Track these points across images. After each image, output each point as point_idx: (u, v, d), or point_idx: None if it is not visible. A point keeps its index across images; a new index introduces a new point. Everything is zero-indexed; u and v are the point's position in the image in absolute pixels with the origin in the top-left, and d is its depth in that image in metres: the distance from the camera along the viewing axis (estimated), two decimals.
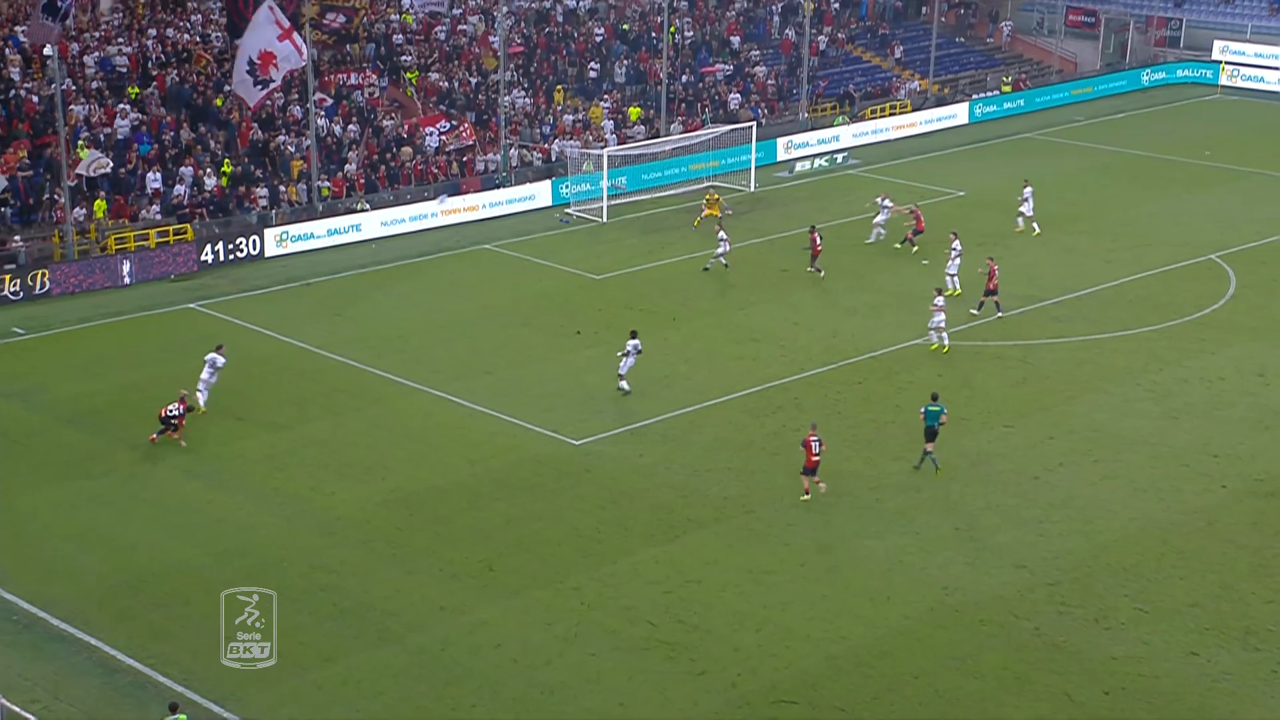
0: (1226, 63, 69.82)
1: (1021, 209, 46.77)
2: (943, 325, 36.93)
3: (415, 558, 27.38)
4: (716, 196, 48.39)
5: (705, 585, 26.50)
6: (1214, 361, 36.35)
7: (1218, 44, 71.19)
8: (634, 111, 58.60)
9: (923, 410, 31.04)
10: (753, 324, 39.56)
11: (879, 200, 47.11)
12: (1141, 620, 25.24)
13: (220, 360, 33.74)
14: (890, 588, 26.34)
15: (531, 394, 34.96)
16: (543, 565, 27.16)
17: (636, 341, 34.82)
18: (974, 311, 39.60)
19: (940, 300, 37.10)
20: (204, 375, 33.52)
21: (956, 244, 41.20)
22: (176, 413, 31.43)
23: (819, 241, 43.13)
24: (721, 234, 43.73)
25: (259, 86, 43.69)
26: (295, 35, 43.95)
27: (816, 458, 29.21)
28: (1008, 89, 67.54)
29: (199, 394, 33.26)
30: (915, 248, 45.08)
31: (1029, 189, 47.23)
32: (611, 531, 28.43)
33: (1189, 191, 52.15)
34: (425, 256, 46.25)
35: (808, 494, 29.41)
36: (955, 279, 40.76)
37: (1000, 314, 39.26)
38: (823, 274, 42.70)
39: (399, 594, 26.10)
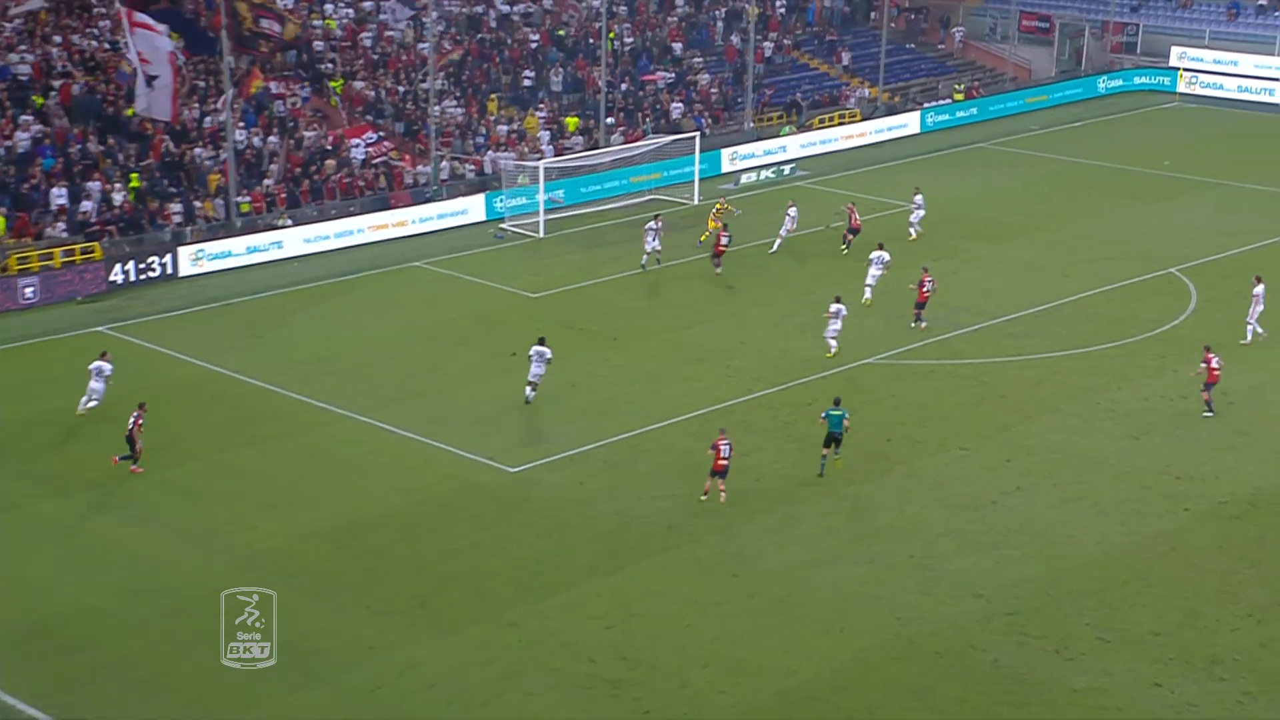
0: (1185, 69, 71.14)
1: (911, 217, 47.69)
2: (836, 333, 37.68)
3: (344, 593, 27.20)
4: (725, 207, 48.62)
5: (650, 619, 26.52)
6: (1176, 380, 36.93)
7: (1175, 50, 72.53)
8: (571, 121, 58.76)
9: (824, 415, 31.69)
10: (698, 343, 39.72)
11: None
12: (1104, 650, 25.54)
13: (107, 368, 34.07)
14: (844, 619, 26.49)
15: (466, 419, 34.86)
16: (479, 600, 27.07)
17: (543, 348, 35.11)
18: (913, 325, 40.15)
19: (836, 308, 37.70)
20: (92, 385, 33.80)
21: (882, 254, 41.93)
22: (130, 426, 31.32)
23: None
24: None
25: (159, 92, 43.58)
26: (142, 19, 43.90)
27: (724, 461, 30.13)
28: (960, 97, 68.40)
29: (90, 404, 33.72)
30: (845, 249, 46.36)
31: (920, 196, 48.10)
32: (551, 563, 28.39)
33: (1148, 203, 53.03)
34: (352, 275, 46.03)
35: (706, 495, 30.27)
36: (871, 289, 41.72)
37: (915, 324, 39.85)
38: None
39: (326, 632, 25.90)
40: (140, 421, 31.51)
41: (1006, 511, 30.31)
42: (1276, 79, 68.89)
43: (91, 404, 33.99)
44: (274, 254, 47.28)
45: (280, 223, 48.69)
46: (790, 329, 40.63)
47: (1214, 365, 34.60)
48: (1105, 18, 75.53)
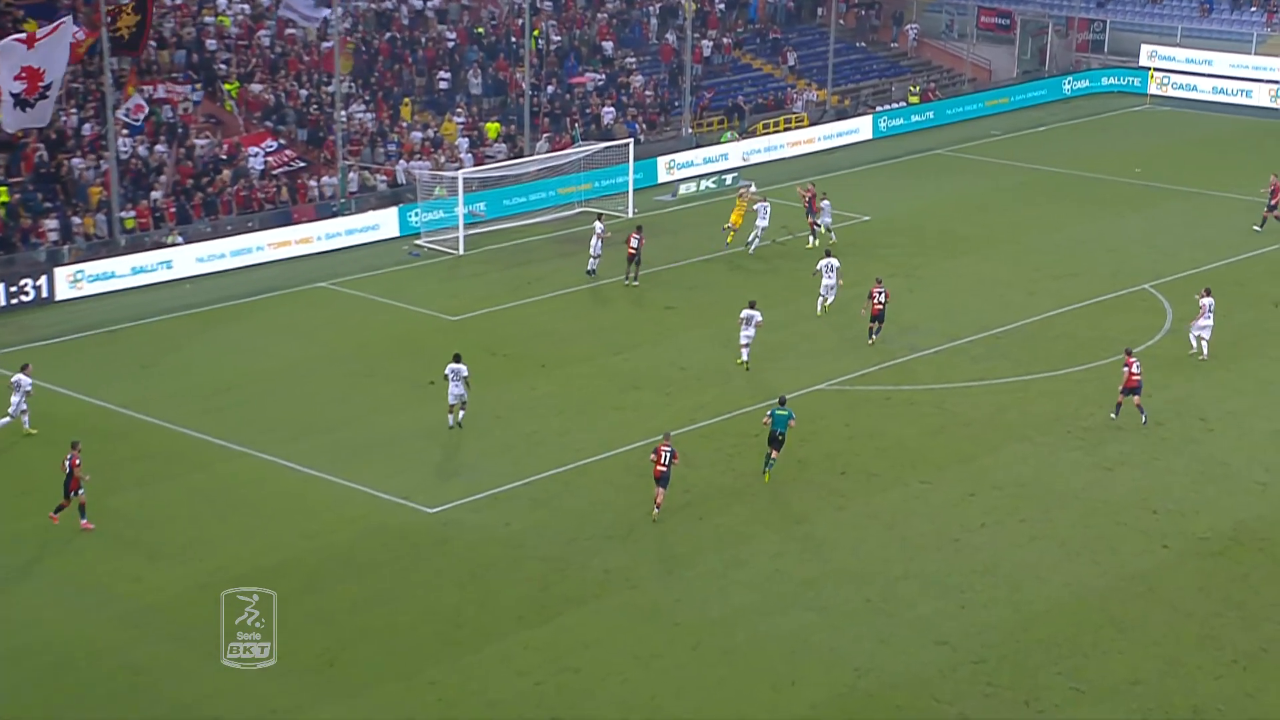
0: (1156, 69, 72.31)
1: (819, 220, 48.85)
2: (749, 340, 38.87)
3: None
4: (749, 192, 49.81)
5: (584, 673, 26.40)
6: (1151, 405, 37.33)
7: (1145, 49, 73.74)
8: (492, 127, 58.73)
9: (769, 414, 32.83)
10: (634, 369, 39.72)
11: (821, 204, 49.17)
12: (1078, 701, 25.71)
13: (26, 381, 34.71)
14: (795, 670, 26.50)
15: (378, 455, 34.63)
16: (393, 656, 26.82)
17: (459, 365, 35.33)
18: (870, 341, 40.67)
19: (747, 313, 38.82)
20: (14, 401, 34.53)
21: (831, 260, 42.92)
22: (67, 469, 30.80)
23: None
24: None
25: (20, 109, 43.19)
26: (44, 31, 43.59)
27: (663, 468, 31.09)
28: (915, 100, 69.13)
29: (8, 417, 34.38)
30: (809, 235, 48.19)
31: (827, 201, 48.94)
32: (474, 614, 28.21)
33: (1119, 213, 53.77)
34: (251, 297, 45.69)
35: (658, 506, 31.23)
36: (823, 300, 42.95)
37: (871, 340, 40.52)
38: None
39: (223, 694, 25.56)
40: (78, 461, 30.82)
41: (971, 551, 30.49)
42: (1253, 79, 70.16)
43: (8, 420, 34.73)
44: (163, 275, 46.84)
45: (170, 240, 48.25)
46: (734, 353, 40.71)
47: (1134, 370, 35.72)
48: (1070, 14, 76.66)
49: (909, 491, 33.02)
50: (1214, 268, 47.42)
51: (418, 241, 50.80)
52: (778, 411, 32.80)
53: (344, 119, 54.44)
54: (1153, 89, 71.75)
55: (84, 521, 30.87)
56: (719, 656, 26.90)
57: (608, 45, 66.83)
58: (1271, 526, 31.36)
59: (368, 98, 58.16)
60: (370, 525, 31.39)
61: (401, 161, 54.95)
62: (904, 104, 69.01)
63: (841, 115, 67.11)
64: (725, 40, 70.43)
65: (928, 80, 72.50)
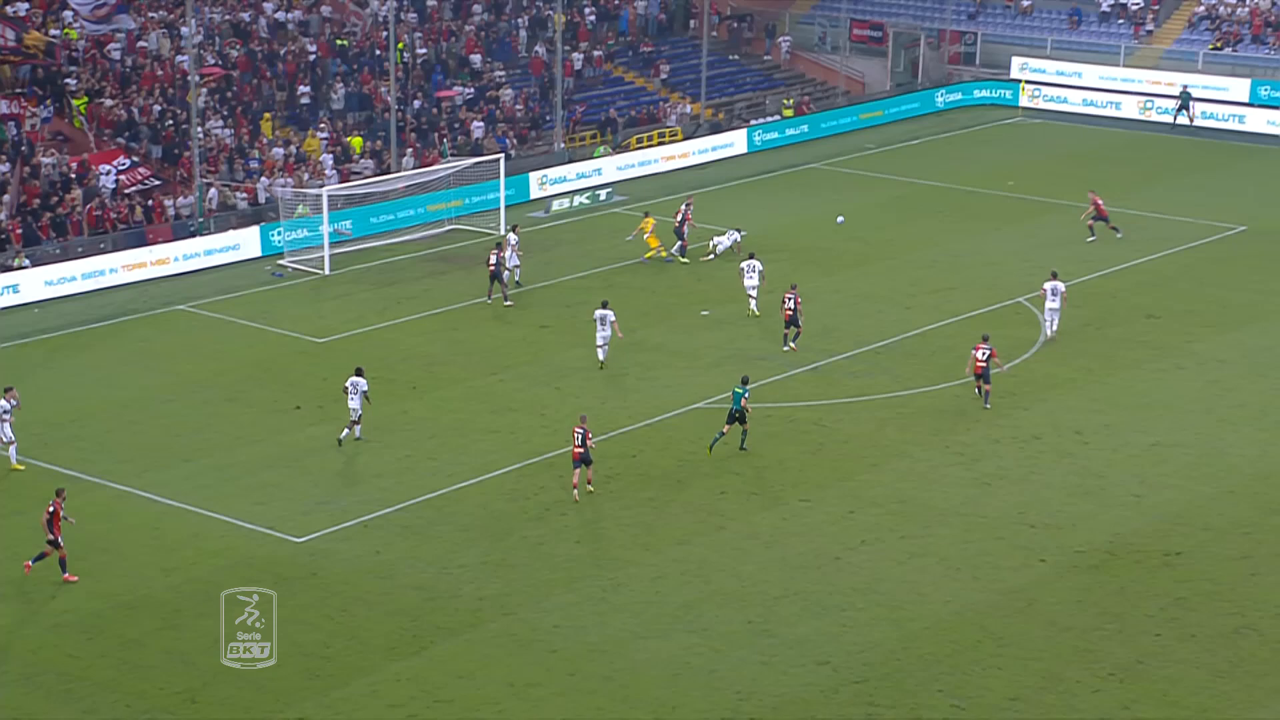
0: (1027, 82, 73.86)
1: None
2: (605, 340, 40.29)
3: (97, 693, 26.40)
4: (651, 222, 50.25)
5: (458, 704, 26.27)
6: (1027, 418, 38.12)
7: (1016, 61, 75.29)
8: (356, 142, 58.32)
9: (733, 391, 35.58)
10: (508, 391, 39.66)
11: (730, 237, 50.00)
12: (958, 718, 26.12)
13: (5, 406, 34.41)
14: (676, 695, 26.60)
15: (242, 484, 34.21)
16: (258, 693, 26.48)
17: (359, 379, 35.74)
18: (785, 349, 41.60)
19: (601, 313, 40.18)
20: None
21: (754, 262, 43.78)
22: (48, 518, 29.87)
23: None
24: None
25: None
26: None
27: (579, 449, 32.97)
28: (789, 113, 69.91)
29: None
30: (677, 256, 48.85)
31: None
32: (343, 647, 27.95)
33: (993, 227, 54.81)
34: (104, 322, 44.95)
35: (576, 489, 33.13)
36: (754, 301, 44.17)
37: (786, 347, 41.54)
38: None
39: None
40: (61, 511, 29.87)
41: (851, 570, 30.85)
42: (1122, 91, 72.00)
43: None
44: (8, 299, 46.01)
45: (16, 263, 47.30)
46: (610, 371, 40.82)
47: (979, 357, 37.82)
48: (942, 26, 78.02)
49: (789, 510, 33.33)
50: (1088, 279, 48.50)
51: (281, 261, 50.26)
52: (737, 389, 35.34)
53: (201, 135, 53.69)
54: (1024, 101, 73.27)
55: (66, 575, 29.85)
56: (598, 684, 26.92)
57: (475, 58, 66.72)
58: (1146, 539, 32.15)
59: (226, 113, 57.44)
60: (234, 558, 30.96)
61: (264, 179, 54.34)
62: (778, 117, 69.75)
63: (716, 129, 67.66)
64: (596, 53, 70.70)
65: (801, 93, 73.36)
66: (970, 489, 34.42)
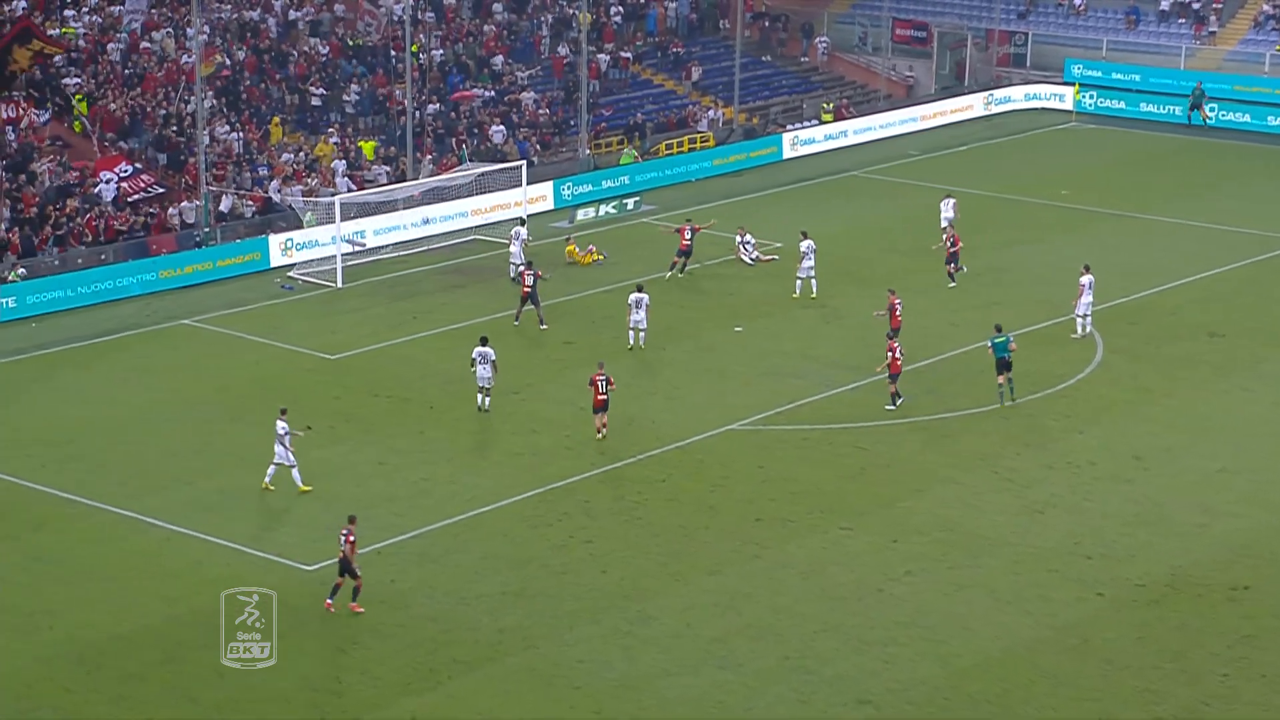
0: (1081, 84, 73.69)
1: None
2: (637, 323, 42.65)
3: None
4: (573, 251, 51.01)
5: None
6: (1082, 443, 37.91)
7: (1070, 62, 75.11)
8: (367, 146, 58.38)
9: (989, 342, 39.19)
10: (530, 411, 39.64)
11: (740, 241, 50.35)
12: None
13: (283, 428, 34.54)
14: None
15: (248, 509, 34.25)
16: None
17: (487, 349, 38.54)
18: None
19: (636, 296, 42.27)
20: (279, 452, 34.58)
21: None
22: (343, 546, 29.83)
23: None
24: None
25: None
26: None
27: (603, 397, 36.69)
28: (828, 118, 69.88)
29: (274, 465, 34.62)
30: (677, 272, 48.88)
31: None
32: (354, 681, 27.92)
33: (1044, 238, 54.61)
34: (104, 337, 45.12)
35: (600, 433, 36.93)
36: (812, 281, 46.77)
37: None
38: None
39: None
40: (352, 539, 29.68)
41: (894, 602, 30.70)
42: (1182, 95, 71.71)
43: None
44: (3, 313, 46.08)
45: (11, 275, 47.44)
46: (638, 392, 40.78)
47: (897, 355, 39.12)
48: (990, 26, 77.93)
49: (828, 538, 33.20)
50: (1145, 295, 48.29)
51: (291, 273, 50.38)
52: (995, 339, 38.87)
53: (207, 140, 53.86)
54: (1077, 105, 73.05)
55: (354, 604, 29.79)
56: None
57: (497, 60, 66.83)
58: (1210, 572, 31.91)
59: (233, 117, 57.63)
60: (239, 587, 30.88)
61: (275, 184, 54.46)
62: (816, 122, 69.72)
63: (750, 134, 67.65)
64: (624, 54, 70.78)
65: (841, 96, 73.33)
66: (1021, 517, 34.24)
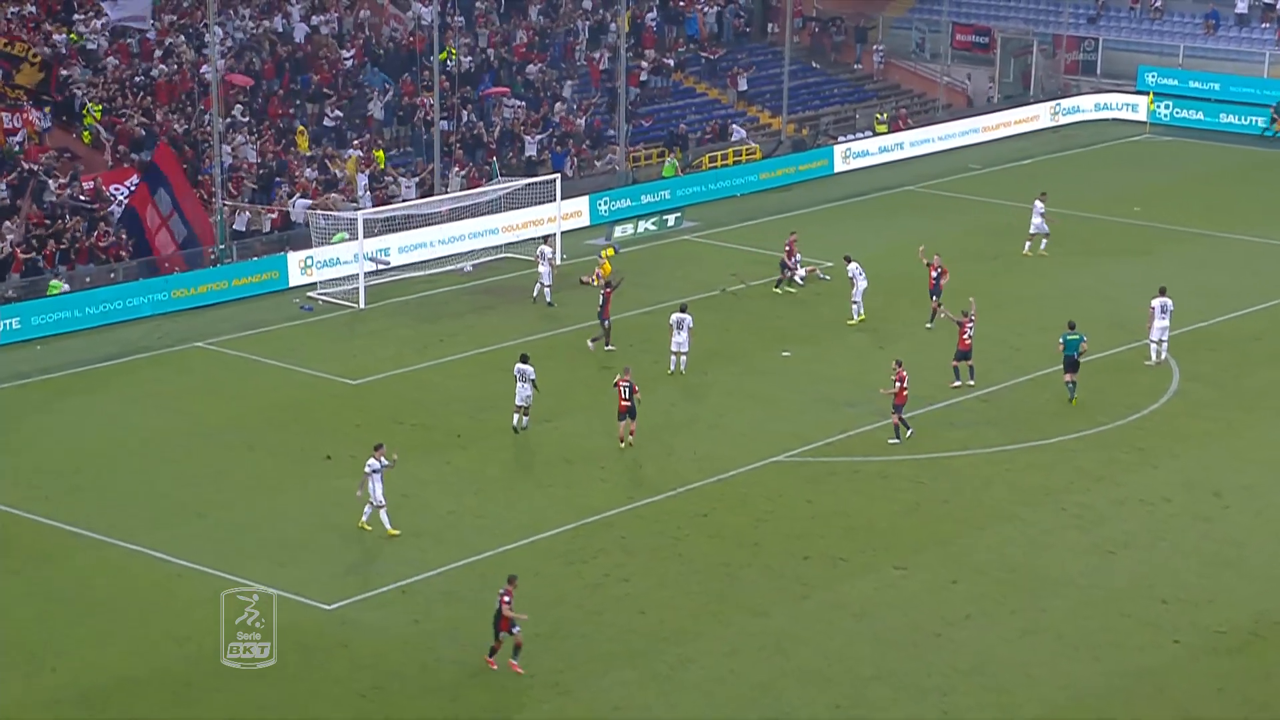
0: (1156, 94, 73.44)
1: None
2: (679, 347, 43.13)
3: None
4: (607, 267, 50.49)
5: None
6: (1156, 478, 37.69)
7: (1144, 70, 74.88)
8: (380, 155, 58.56)
9: (1062, 339, 41.00)
10: (564, 440, 39.67)
11: (793, 262, 50.55)
12: None
13: (375, 465, 34.39)
14: None
15: (264, 542, 34.35)
16: None
17: (526, 366, 39.11)
18: (956, 385, 42.19)
19: (678, 317, 42.99)
20: (372, 489, 34.46)
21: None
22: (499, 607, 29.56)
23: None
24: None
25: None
26: None
27: (627, 402, 38.12)
28: (883, 129, 69.86)
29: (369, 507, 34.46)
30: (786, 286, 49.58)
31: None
32: None
33: (1115, 258, 54.40)
34: (112, 360, 45.36)
35: (623, 441, 38.35)
36: (859, 305, 47.02)
37: (971, 381, 42.39)
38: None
39: None
40: (508, 599, 29.33)
41: (953, 647, 30.56)
42: (1266, 105, 71.36)
43: None
44: (5, 335, 46.33)
45: (52, 288, 47.78)
46: (679, 420, 40.78)
47: (904, 385, 38.85)
48: (1057, 31, 77.79)
49: (881, 578, 33.09)
50: (1225, 319, 48.03)
51: (310, 293, 50.60)
52: (1069, 336, 40.72)
53: (226, 152, 54.13)
54: (1152, 116, 72.81)
55: (513, 663, 29.58)
56: None
57: (533, 69, 67.00)
58: None
59: (253, 129, 57.89)
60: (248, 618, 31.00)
61: (301, 200, 54.63)
62: (870, 133, 69.70)
63: (799, 146, 67.67)
64: (666, 61, 70.94)
65: (897, 106, 73.31)
66: (1090, 557, 34.06)
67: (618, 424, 38.50)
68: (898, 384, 38.76)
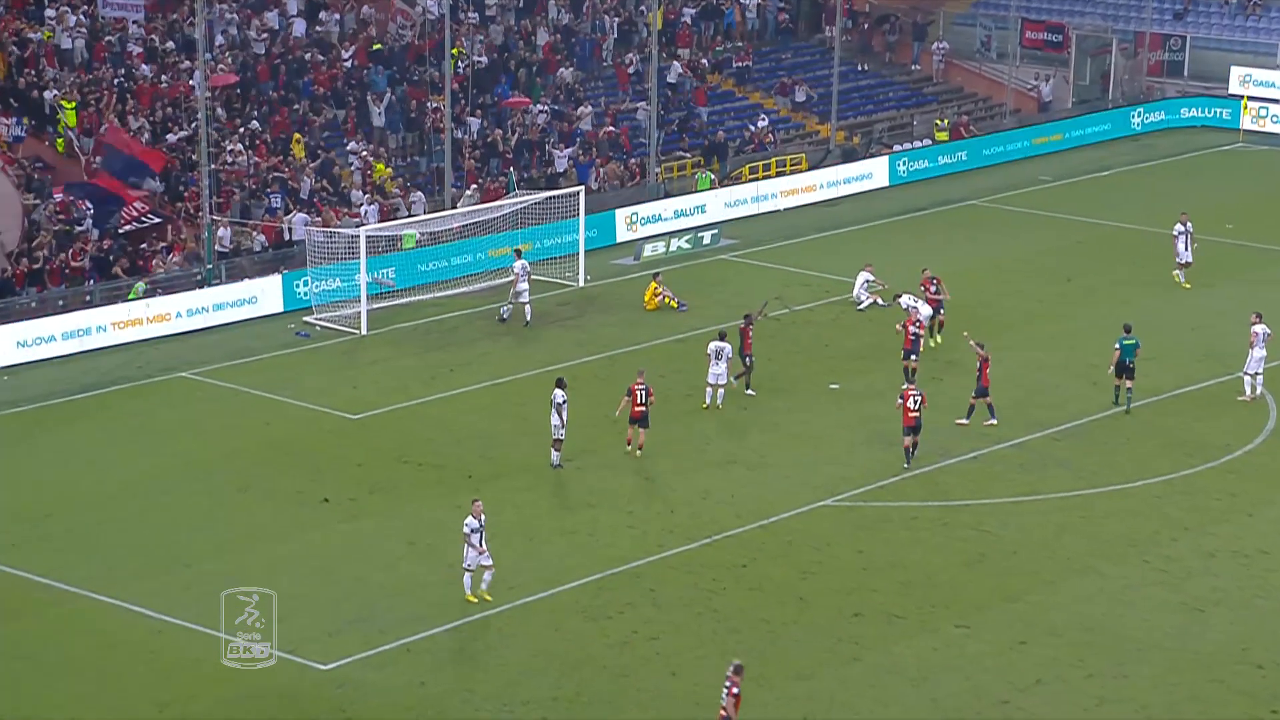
0: (1250, 98, 73.31)
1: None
2: (717, 379, 43.45)
3: None
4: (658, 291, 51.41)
5: None
6: (1251, 527, 37.55)
7: (1236, 72, 74.76)
8: (380, 167, 58.74)
9: (1118, 344, 42.69)
10: (588, 483, 39.69)
11: (862, 288, 51.11)
12: None
13: (473, 524, 34.12)
14: None
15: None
16: None
17: (560, 391, 39.82)
18: (961, 421, 42.03)
19: (716, 345, 43.30)
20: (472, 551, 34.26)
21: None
22: None
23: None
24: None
25: None
26: None
27: (641, 408, 39.64)
28: (944, 136, 69.93)
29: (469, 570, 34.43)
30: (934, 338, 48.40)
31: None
32: None
33: (1206, 282, 54.25)
34: (89, 392, 45.56)
35: (630, 445, 40.09)
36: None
37: (994, 420, 42.32)
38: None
39: None
40: (736, 691, 27.93)
41: (1022, 717, 30.45)
42: None
43: None
44: None
45: (133, 294, 48.16)
46: (716, 459, 40.78)
47: (909, 406, 39.56)
48: (1140, 29, 77.68)
49: (942, 638, 33.02)
50: None
51: (307, 319, 50.78)
52: (1125, 341, 42.47)
53: (212, 162, 54.42)
54: (1246, 123, 72.72)
55: None
56: None
57: (566, 71, 67.16)
58: None
59: (246, 136, 58.17)
60: (243, 688, 31.04)
61: (300, 215, 54.83)
62: (929, 142, 69.75)
63: (849, 156, 67.72)
64: (703, 62, 71.07)
65: (959, 112, 73.37)
66: (1177, 616, 33.94)
67: (628, 427, 40.07)
68: (904, 402, 39.68)
